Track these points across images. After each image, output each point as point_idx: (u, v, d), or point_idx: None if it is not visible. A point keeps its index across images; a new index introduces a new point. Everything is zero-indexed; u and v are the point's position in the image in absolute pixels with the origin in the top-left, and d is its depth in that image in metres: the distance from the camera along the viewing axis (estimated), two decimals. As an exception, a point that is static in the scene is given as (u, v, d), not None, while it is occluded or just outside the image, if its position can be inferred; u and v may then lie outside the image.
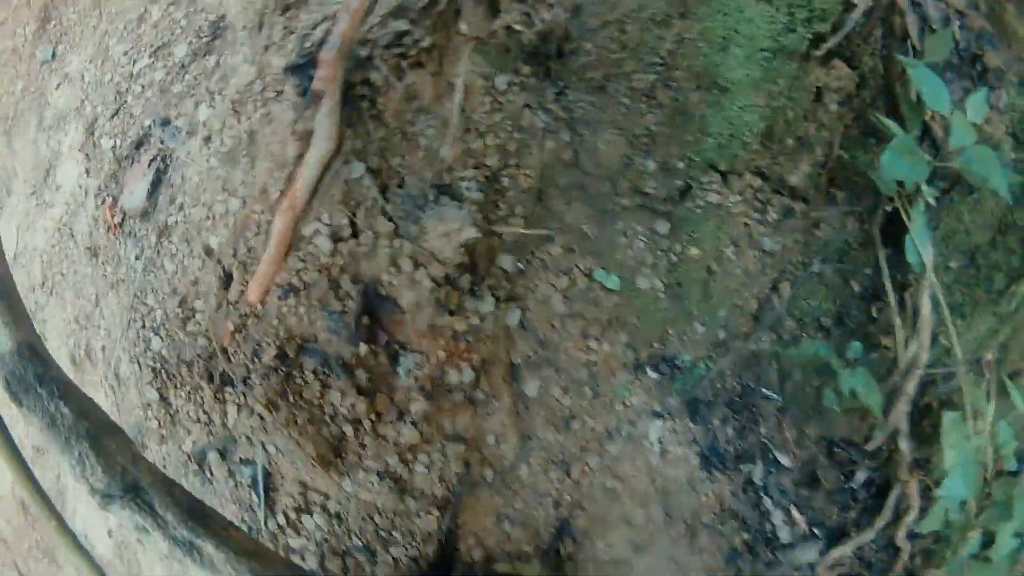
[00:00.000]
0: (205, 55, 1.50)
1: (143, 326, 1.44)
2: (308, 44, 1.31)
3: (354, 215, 1.30)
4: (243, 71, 1.40)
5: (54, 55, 2.02)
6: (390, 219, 1.30)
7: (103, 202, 1.58)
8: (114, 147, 1.57)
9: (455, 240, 1.28)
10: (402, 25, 1.23)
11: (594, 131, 1.29)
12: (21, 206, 1.89)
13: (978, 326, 1.38)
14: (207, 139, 1.41)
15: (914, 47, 1.30)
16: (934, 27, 1.32)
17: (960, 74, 1.36)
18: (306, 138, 1.27)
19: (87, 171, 1.67)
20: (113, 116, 1.59)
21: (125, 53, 1.65)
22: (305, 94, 1.28)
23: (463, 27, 1.26)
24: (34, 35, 2.09)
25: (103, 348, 1.58)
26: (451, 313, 1.31)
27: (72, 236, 1.71)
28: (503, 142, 1.31)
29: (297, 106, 1.29)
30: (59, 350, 1.70)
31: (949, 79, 1.35)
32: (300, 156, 1.27)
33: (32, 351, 1.01)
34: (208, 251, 1.38)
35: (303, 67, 1.30)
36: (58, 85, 1.93)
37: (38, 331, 1.65)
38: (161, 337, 1.41)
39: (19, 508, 1.84)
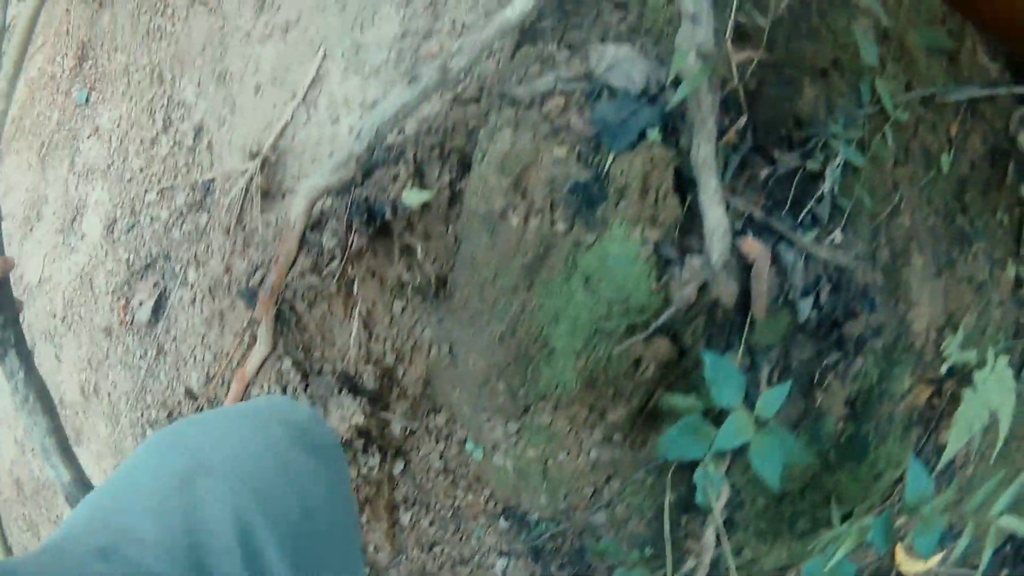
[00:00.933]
0: (198, 211, 1.83)
1: (141, 415, 1.91)
2: (253, 279, 1.65)
3: (283, 391, 1.69)
4: (216, 261, 1.75)
5: (88, 100, 2.33)
6: (311, 398, 1.69)
7: (118, 299, 1.98)
8: (128, 260, 1.94)
9: (350, 422, 1.66)
10: (314, 280, 1.55)
11: (466, 351, 1.60)
12: (49, 238, 2.24)
13: (779, 553, 1.71)
14: (192, 301, 1.78)
15: (752, 323, 1.53)
16: (790, 299, 1.53)
17: (811, 341, 1.57)
18: (252, 340, 1.66)
19: (106, 261, 2.06)
20: (129, 230, 1.95)
21: (141, 170, 1.98)
22: (253, 307, 1.64)
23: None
24: (71, 71, 2.39)
25: (108, 395, 2.04)
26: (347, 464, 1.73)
27: (92, 289, 2.11)
28: (398, 347, 1.66)
29: (247, 315, 1.67)
30: (71, 377, 2.12)
31: (798, 344, 1.58)
32: (250, 348, 1.67)
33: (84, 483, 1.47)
34: (188, 389, 1.80)
35: (250, 293, 1.65)
36: (89, 135, 2.27)
37: (54, 355, 2.13)
38: (153, 431, 1.87)
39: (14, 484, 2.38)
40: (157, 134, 1.95)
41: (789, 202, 1.57)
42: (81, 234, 2.19)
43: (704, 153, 1.40)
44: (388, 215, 1.51)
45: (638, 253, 1.43)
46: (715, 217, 1.41)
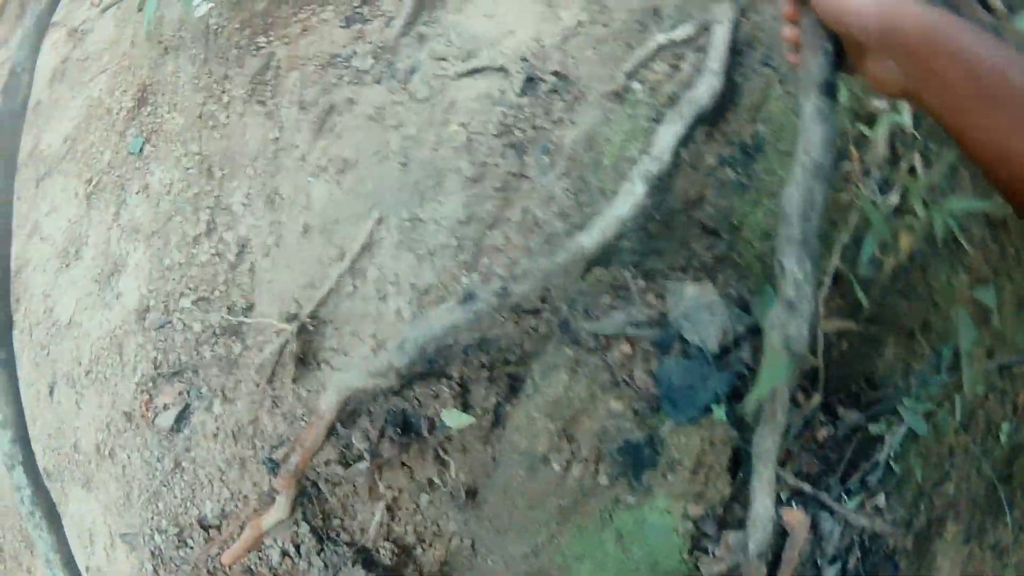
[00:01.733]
0: (231, 338, 1.77)
1: (152, 517, 1.89)
2: (278, 452, 1.60)
3: (297, 550, 1.67)
4: (244, 405, 1.69)
5: (141, 150, 2.24)
6: (324, 563, 1.67)
7: (143, 391, 1.94)
8: (156, 359, 1.89)
9: (361, 595, 1.64)
10: (339, 470, 1.51)
11: (488, 551, 1.58)
12: (85, 282, 2.15)
13: None
14: (215, 434, 1.74)
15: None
16: (818, 564, 1.49)
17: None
18: (271, 501, 1.62)
19: (138, 337, 2.01)
20: (161, 327, 1.89)
21: (180, 265, 1.91)
22: (275, 475, 1.60)
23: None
24: (129, 112, 2.28)
25: (123, 468, 2.02)
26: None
27: (120, 356, 2.06)
28: (420, 531, 1.63)
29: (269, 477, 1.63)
30: (88, 428, 2.06)
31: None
32: (269, 503, 1.63)
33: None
34: (201, 517, 1.78)
35: (273, 463, 1.61)
36: (138, 191, 2.18)
37: (75, 401, 2.10)
38: (161, 538, 1.86)
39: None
40: (200, 235, 1.87)
41: (842, 465, 1.50)
42: (117, 293, 2.12)
43: (767, 445, 1.32)
44: (424, 431, 1.45)
45: (677, 526, 1.37)
46: (762, 507, 1.34)
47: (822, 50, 0.81)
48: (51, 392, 2.17)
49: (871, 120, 1.45)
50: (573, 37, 1.65)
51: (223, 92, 1.93)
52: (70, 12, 2.67)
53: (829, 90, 0.82)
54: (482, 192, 1.52)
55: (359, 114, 1.71)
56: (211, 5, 2.05)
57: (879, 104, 1.44)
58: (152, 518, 1.87)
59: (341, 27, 1.91)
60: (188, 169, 1.93)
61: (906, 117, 1.42)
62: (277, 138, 1.80)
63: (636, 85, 1.47)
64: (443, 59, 1.70)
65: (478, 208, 1.52)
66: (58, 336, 2.22)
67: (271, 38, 1.94)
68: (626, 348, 1.39)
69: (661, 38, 1.48)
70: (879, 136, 1.44)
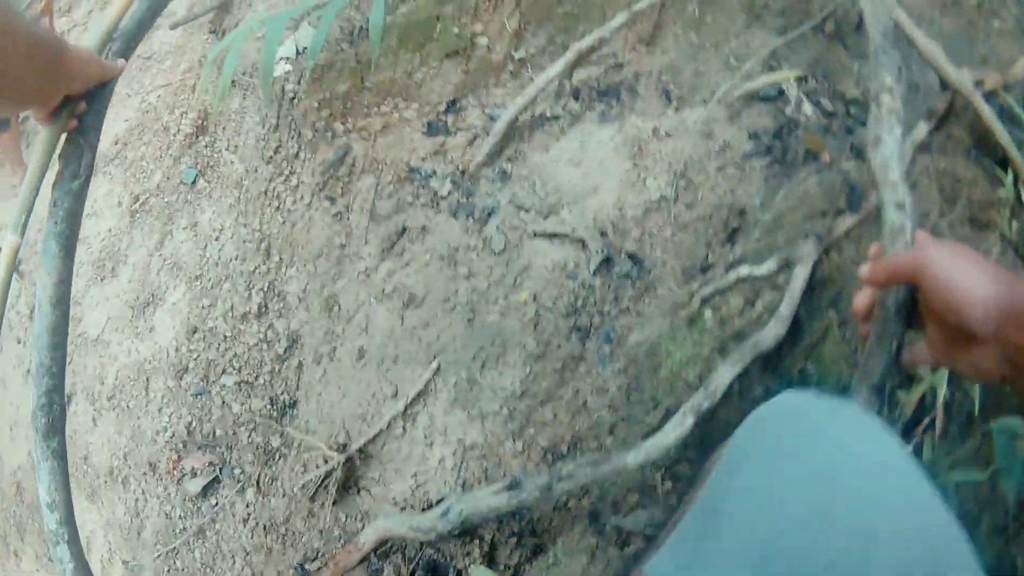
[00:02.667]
0: (272, 430, 1.82)
1: (167, 569, 1.96)
2: (311, 564, 1.67)
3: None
4: (278, 504, 1.76)
5: (194, 183, 2.23)
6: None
7: (170, 447, 1.99)
8: (190, 423, 1.94)
9: None
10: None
11: None
12: (118, 304, 2.15)
13: None
14: (244, 520, 1.80)
15: None
16: None
17: None
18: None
19: (169, 382, 2.04)
20: (197, 395, 1.93)
21: (225, 337, 1.93)
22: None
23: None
24: (186, 138, 2.26)
25: (136, 501, 2.07)
26: None
27: (147, 392, 2.10)
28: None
29: None
30: (102, 453, 2.08)
31: None
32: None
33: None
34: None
35: (304, 572, 1.69)
36: (185, 226, 2.19)
37: (91, 418, 2.16)
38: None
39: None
40: (250, 314, 1.89)
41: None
42: (150, 326, 2.15)
43: None
44: (452, 578, 1.54)
45: None
46: None
47: (889, 348, 0.87)
48: (68, 400, 2.21)
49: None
50: (655, 212, 1.68)
51: (292, 173, 1.93)
52: None
53: (880, 392, 0.89)
54: (541, 371, 1.58)
55: (431, 248, 1.74)
56: (288, 69, 2.03)
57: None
58: (167, 570, 1.95)
59: (423, 133, 1.91)
60: (245, 241, 1.94)
61: (944, 388, 1.50)
62: (343, 245, 1.82)
63: (708, 313, 1.52)
64: (523, 208, 1.73)
65: (534, 385, 1.57)
66: (83, 348, 2.25)
67: (348, 127, 1.93)
68: (641, 545, 1.49)
69: (744, 271, 1.52)
70: (912, 398, 1.52)
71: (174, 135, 2.30)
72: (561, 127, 1.85)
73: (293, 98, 1.98)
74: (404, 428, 1.64)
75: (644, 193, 1.70)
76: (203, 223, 2.13)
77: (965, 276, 0.70)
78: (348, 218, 1.84)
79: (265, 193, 1.93)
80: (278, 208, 1.92)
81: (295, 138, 1.95)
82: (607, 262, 1.63)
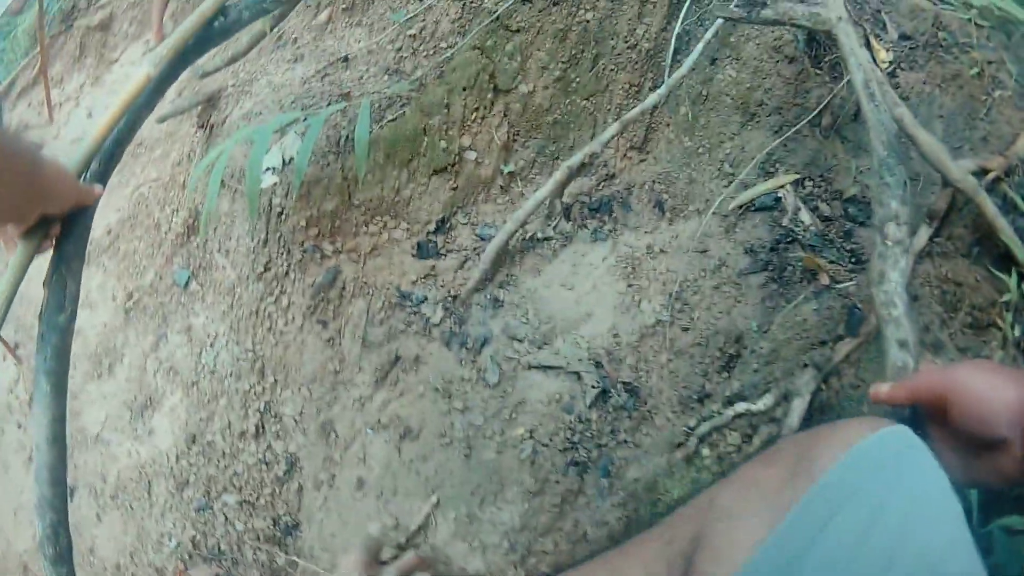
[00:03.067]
0: (276, 549, 1.86)
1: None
2: None
3: None
4: None
5: (186, 286, 2.25)
6: None
7: (177, 557, 2.03)
8: (194, 539, 1.96)
9: None
10: None
11: None
12: (116, 403, 2.16)
13: None
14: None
15: None
16: None
17: None
18: None
19: (171, 489, 2.07)
20: (200, 511, 1.95)
21: (224, 454, 1.96)
22: None
23: None
24: (178, 238, 2.27)
25: None
26: None
27: (150, 496, 2.13)
28: None
29: None
30: (108, 548, 2.06)
31: None
32: None
33: None
34: None
35: None
36: (179, 331, 2.21)
37: (95, 514, 2.18)
38: None
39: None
40: (247, 432, 1.92)
41: None
42: (149, 429, 2.17)
43: None
44: None
45: None
46: None
47: None
48: (71, 493, 2.24)
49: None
50: (650, 337, 1.71)
51: (282, 292, 1.94)
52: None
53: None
54: (540, 506, 1.61)
55: (424, 379, 1.77)
56: (276, 181, 2.04)
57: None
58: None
59: (413, 256, 1.93)
60: (239, 360, 1.97)
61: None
62: (337, 371, 1.85)
63: (706, 451, 1.56)
64: (516, 338, 1.76)
65: (534, 519, 1.62)
66: (83, 445, 2.27)
67: (337, 247, 1.95)
68: None
69: (741, 407, 1.56)
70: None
71: (165, 233, 2.31)
72: (553, 248, 1.88)
73: (281, 213, 2.00)
74: (404, 562, 1.68)
75: (639, 317, 1.73)
76: (197, 328, 2.15)
77: (991, 386, 0.76)
78: (340, 343, 1.86)
79: (256, 313, 1.95)
80: (270, 329, 1.94)
81: (284, 255, 1.97)
82: (603, 394, 1.66)
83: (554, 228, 1.88)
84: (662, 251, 1.81)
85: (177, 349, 2.17)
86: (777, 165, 1.83)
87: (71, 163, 1.18)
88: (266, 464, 1.88)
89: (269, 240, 2.01)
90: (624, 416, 1.67)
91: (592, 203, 1.91)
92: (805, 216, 1.73)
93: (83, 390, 2.26)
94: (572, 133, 1.99)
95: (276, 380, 1.92)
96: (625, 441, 1.66)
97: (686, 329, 1.70)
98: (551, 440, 1.65)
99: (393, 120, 1.99)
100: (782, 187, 1.75)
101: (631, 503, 1.61)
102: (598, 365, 1.68)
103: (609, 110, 2.01)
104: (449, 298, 1.84)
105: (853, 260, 1.74)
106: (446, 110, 1.96)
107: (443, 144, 1.95)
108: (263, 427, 1.91)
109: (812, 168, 1.82)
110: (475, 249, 1.90)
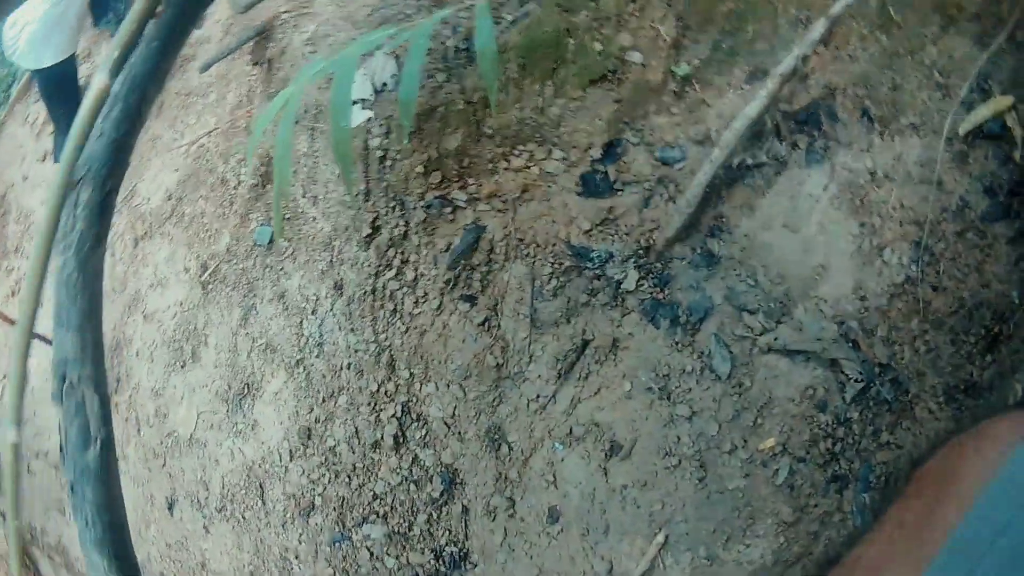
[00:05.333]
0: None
1: None
2: None
3: None
4: None
5: (270, 244, 1.73)
6: None
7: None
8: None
9: None
10: None
11: None
12: (206, 395, 1.74)
13: None
14: None
15: None
16: None
17: None
18: None
19: (290, 494, 1.63)
20: (335, 544, 1.51)
21: (355, 467, 1.49)
22: None
23: None
24: (250, 192, 1.75)
25: None
26: None
27: (262, 498, 1.71)
28: None
29: None
30: (222, 564, 1.71)
31: None
32: None
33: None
34: None
35: None
36: (271, 298, 1.70)
37: (201, 527, 1.76)
38: None
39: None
40: (382, 442, 1.45)
41: None
42: (252, 422, 1.71)
43: None
44: None
45: None
46: None
47: None
48: (170, 506, 1.82)
49: None
50: (899, 298, 1.20)
51: (405, 263, 1.42)
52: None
53: None
54: (795, 536, 1.16)
55: (628, 370, 1.26)
56: (369, 115, 1.47)
57: None
58: None
59: (578, 194, 1.38)
60: (357, 352, 1.47)
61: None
62: (499, 364, 1.35)
63: None
64: (746, 309, 1.24)
65: (786, 553, 1.16)
66: (176, 449, 1.83)
67: (473, 193, 1.40)
68: None
69: None
70: None
71: (235, 188, 1.78)
72: (766, 177, 1.33)
73: (384, 157, 1.44)
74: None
75: (885, 272, 1.23)
76: (292, 292, 1.65)
77: None
78: (499, 326, 1.36)
79: (373, 292, 1.44)
80: (395, 312, 1.43)
81: (399, 213, 1.43)
82: (865, 385, 1.16)
83: (766, 152, 1.32)
84: (887, 177, 1.29)
85: (271, 321, 1.68)
86: (989, 82, 1.30)
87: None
88: (414, 483, 1.42)
89: (373, 193, 1.47)
90: (885, 411, 1.17)
91: (798, 114, 1.34)
92: None
93: (167, 385, 1.80)
94: (750, 25, 1.41)
95: (413, 374, 1.43)
96: (887, 443, 1.18)
97: (936, 288, 1.21)
98: (808, 452, 1.17)
99: (521, 21, 1.40)
100: (1006, 111, 1.28)
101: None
102: (855, 346, 1.16)
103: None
104: (641, 251, 1.32)
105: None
106: (594, 2, 1.36)
107: (597, 47, 1.37)
108: (403, 434, 1.43)
109: (1019, 87, 1.29)
110: (659, 179, 1.36)
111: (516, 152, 1.41)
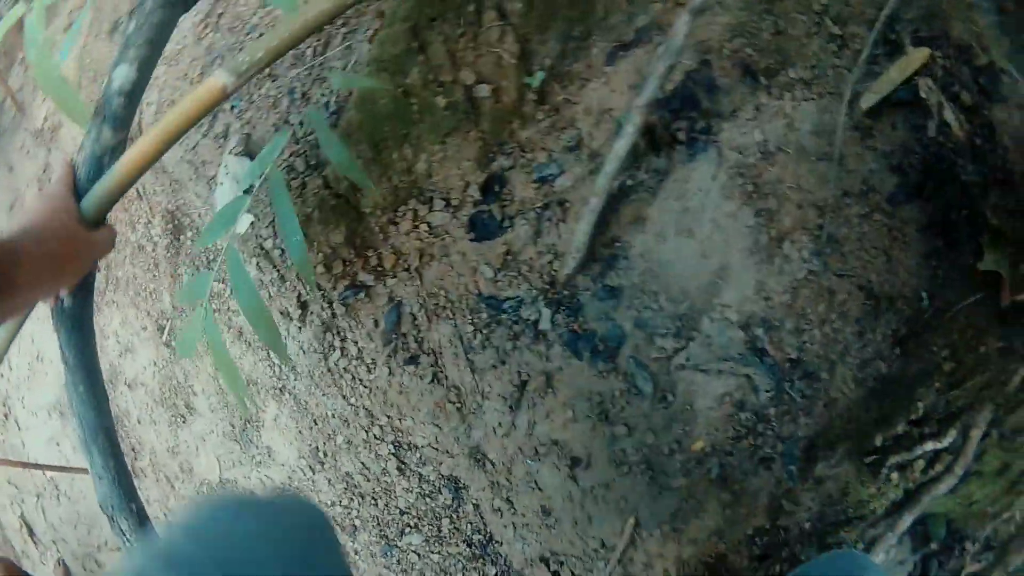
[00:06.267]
0: (480, 563, 1.70)
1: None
2: None
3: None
4: None
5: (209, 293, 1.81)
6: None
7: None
8: None
9: None
10: None
11: None
12: (218, 440, 1.91)
13: None
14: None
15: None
16: None
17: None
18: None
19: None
20: (386, 555, 1.79)
21: (375, 494, 1.71)
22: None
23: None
24: (167, 247, 1.78)
25: None
26: None
27: None
28: None
29: None
30: None
31: None
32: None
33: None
34: None
35: None
36: (232, 339, 1.82)
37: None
38: None
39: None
40: (388, 471, 1.65)
41: None
42: (266, 448, 1.95)
43: None
44: None
45: None
46: None
47: None
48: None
49: None
50: (805, 289, 1.27)
51: (344, 341, 1.50)
52: None
53: None
54: (739, 505, 1.38)
55: (567, 399, 1.39)
56: (252, 219, 1.46)
57: None
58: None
59: (472, 240, 1.40)
60: (335, 409, 1.61)
61: None
62: (459, 405, 1.48)
63: (894, 477, 1.26)
64: (656, 334, 1.32)
65: (736, 515, 1.39)
66: (213, 493, 2.08)
67: (377, 269, 1.42)
68: None
69: (929, 446, 1.30)
70: None
71: (152, 251, 1.81)
72: (650, 185, 1.32)
73: (283, 253, 1.47)
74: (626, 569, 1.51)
75: (786, 268, 1.26)
76: (247, 328, 1.75)
77: None
78: (447, 376, 1.47)
79: (330, 371, 1.54)
80: (355, 380, 1.54)
81: (319, 303, 1.49)
82: (776, 386, 1.29)
83: (644, 170, 1.29)
84: (781, 150, 1.25)
85: (242, 359, 1.81)
86: (895, 27, 1.16)
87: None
88: (428, 495, 1.64)
89: (286, 280, 1.51)
90: (799, 399, 1.32)
91: (671, 103, 1.28)
92: (950, 115, 1.14)
93: (179, 442, 1.98)
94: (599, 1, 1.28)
95: (390, 417, 1.58)
96: (805, 423, 1.33)
97: (842, 276, 1.24)
98: (734, 447, 1.35)
99: (357, 96, 1.32)
100: (917, 73, 1.15)
101: (824, 503, 1.35)
102: (761, 355, 1.27)
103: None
104: (547, 287, 1.38)
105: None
106: (421, 54, 1.26)
107: (441, 101, 1.30)
108: (403, 462, 1.63)
109: (933, 23, 1.15)
110: (544, 203, 1.37)
111: (399, 215, 1.41)
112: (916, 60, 1.21)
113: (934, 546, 1.61)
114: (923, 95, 1.21)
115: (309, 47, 1.46)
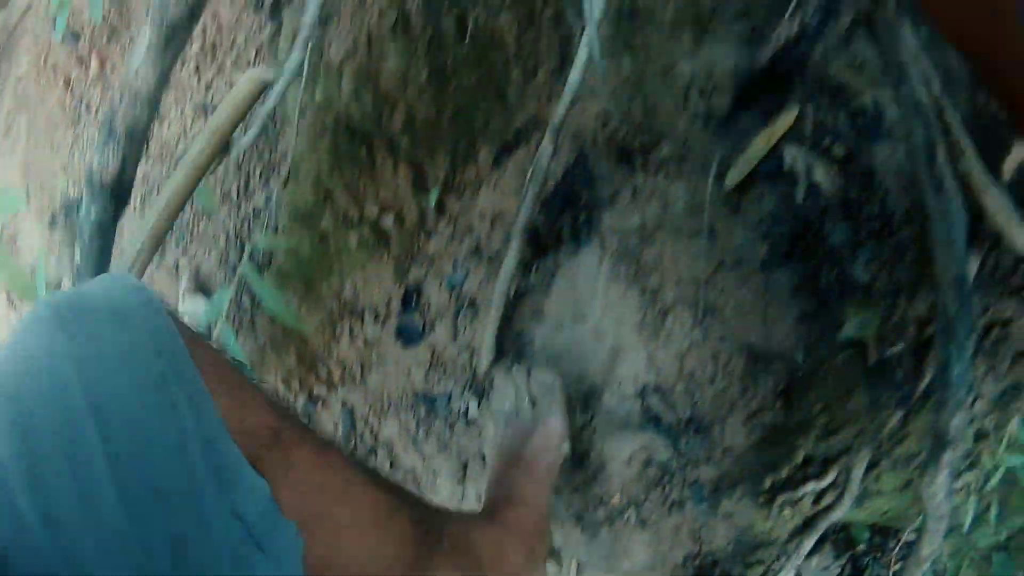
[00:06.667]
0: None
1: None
2: None
3: None
4: None
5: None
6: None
7: None
8: None
9: None
10: None
11: None
12: None
13: None
14: None
15: None
16: None
17: None
18: None
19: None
20: None
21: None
22: None
23: None
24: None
25: None
26: None
27: None
28: None
29: None
30: None
31: None
32: None
33: None
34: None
35: None
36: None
37: None
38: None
39: None
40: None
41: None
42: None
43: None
44: None
45: None
46: None
47: None
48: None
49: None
50: (690, 357, 1.46)
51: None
52: None
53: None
54: (660, 542, 1.59)
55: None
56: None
57: None
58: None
59: (403, 347, 1.61)
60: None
61: None
62: (419, 484, 1.70)
63: (787, 512, 1.46)
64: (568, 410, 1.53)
65: (660, 549, 1.60)
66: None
67: (328, 381, 1.65)
68: None
69: (811, 486, 1.48)
70: None
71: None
72: (543, 281, 1.52)
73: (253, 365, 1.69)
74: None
75: (670, 341, 1.45)
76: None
77: None
78: (402, 463, 1.69)
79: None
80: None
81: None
82: (674, 444, 1.49)
83: (536, 270, 1.49)
84: (659, 228, 1.43)
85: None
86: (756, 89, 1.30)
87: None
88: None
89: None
90: (698, 450, 1.51)
91: (553, 203, 1.47)
92: (820, 174, 1.27)
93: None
94: (479, 109, 1.46)
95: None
96: (707, 467, 1.52)
97: (723, 339, 1.42)
98: (647, 497, 1.54)
99: (275, 266, 1.53)
100: (782, 138, 1.26)
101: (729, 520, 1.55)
102: (656, 420, 1.46)
103: (508, 61, 1.44)
104: (469, 380, 1.58)
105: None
106: (326, 202, 1.47)
107: (353, 241, 1.50)
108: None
109: (803, 84, 1.28)
110: (457, 307, 1.57)
111: (338, 332, 1.63)
112: (781, 127, 1.24)
113: (861, 547, 1.81)
114: (787, 165, 1.28)
115: (234, 185, 1.65)
